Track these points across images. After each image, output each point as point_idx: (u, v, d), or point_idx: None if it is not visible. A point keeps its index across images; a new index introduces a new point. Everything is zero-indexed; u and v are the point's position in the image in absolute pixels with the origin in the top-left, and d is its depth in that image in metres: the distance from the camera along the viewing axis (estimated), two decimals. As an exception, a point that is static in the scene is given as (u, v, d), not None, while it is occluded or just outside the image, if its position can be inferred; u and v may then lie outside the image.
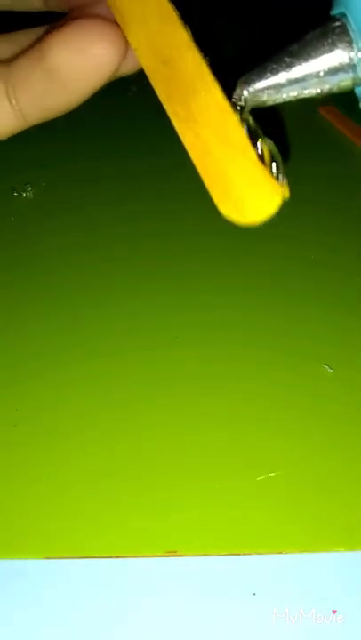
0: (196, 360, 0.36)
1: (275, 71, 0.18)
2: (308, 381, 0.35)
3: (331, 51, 0.17)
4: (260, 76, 0.18)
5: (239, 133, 0.17)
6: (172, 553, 0.28)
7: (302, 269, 0.42)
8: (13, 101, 0.19)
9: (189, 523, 0.29)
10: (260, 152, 0.17)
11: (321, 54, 0.17)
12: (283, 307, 0.39)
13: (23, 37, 0.21)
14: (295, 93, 0.18)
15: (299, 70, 0.18)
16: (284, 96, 0.18)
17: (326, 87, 0.18)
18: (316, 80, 0.18)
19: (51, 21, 0.21)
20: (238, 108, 0.18)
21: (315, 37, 0.17)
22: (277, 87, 0.18)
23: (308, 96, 0.18)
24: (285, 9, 0.55)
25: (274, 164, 0.17)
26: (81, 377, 0.35)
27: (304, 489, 0.30)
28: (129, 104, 0.55)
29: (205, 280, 0.41)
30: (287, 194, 0.17)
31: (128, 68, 0.19)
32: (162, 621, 0.27)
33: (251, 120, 0.18)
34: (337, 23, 0.17)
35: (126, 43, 0.19)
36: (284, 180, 0.17)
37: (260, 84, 0.18)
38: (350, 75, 0.17)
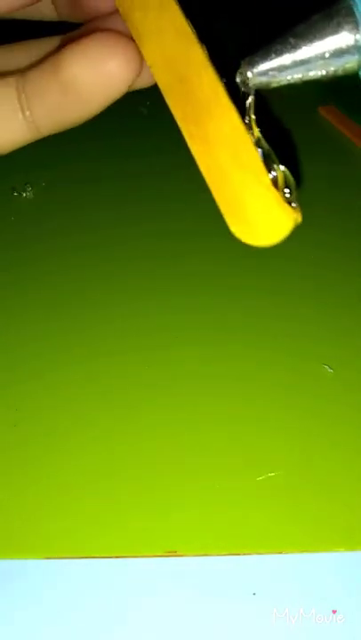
0: (196, 360, 0.36)
1: (279, 52, 0.17)
2: (308, 381, 0.35)
3: (336, 32, 0.17)
4: (264, 58, 0.17)
5: (254, 157, 0.17)
6: (172, 553, 0.28)
7: (302, 269, 0.42)
8: (27, 113, 0.19)
9: (189, 523, 0.29)
10: (273, 176, 0.17)
11: (326, 36, 0.17)
12: (283, 307, 0.39)
13: (36, 47, 0.21)
14: (300, 75, 0.17)
15: (303, 52, 0.17)
16: (289, 78, 0.17)
17: (331, 69, 0.17)
18: (321, 62, 0.17)
19: (63, 32, 0.21)
20: (241, 93, 0.18)
21: (320, 19, 0.17)
22: (281, 69, 0.17)
23: (312, 78, 0.18)
24: (285, 9, 0.55)
25: (287, 190, 0.17)
26: (81, 377, 0.35)
27: (304, 489, 0.30)
28: (129, 104, 0.55)
29: (205, 280, 0.41)
30: (300, 219, 0.17)
31: (143, 83, 0.19)
32: (162, 621, 0.27)
33: (265, 144, 0.17)
34: (343, 4, 0.17)
35: (141, 59, 0.19)
36: (297, 206, 0.17)
37: (263, 66, 0.17)
38: (356, 57, 0.17)
